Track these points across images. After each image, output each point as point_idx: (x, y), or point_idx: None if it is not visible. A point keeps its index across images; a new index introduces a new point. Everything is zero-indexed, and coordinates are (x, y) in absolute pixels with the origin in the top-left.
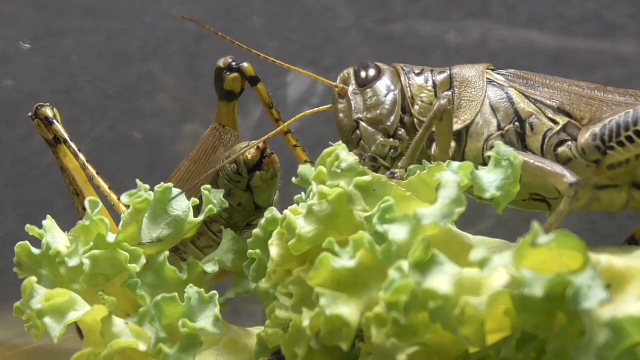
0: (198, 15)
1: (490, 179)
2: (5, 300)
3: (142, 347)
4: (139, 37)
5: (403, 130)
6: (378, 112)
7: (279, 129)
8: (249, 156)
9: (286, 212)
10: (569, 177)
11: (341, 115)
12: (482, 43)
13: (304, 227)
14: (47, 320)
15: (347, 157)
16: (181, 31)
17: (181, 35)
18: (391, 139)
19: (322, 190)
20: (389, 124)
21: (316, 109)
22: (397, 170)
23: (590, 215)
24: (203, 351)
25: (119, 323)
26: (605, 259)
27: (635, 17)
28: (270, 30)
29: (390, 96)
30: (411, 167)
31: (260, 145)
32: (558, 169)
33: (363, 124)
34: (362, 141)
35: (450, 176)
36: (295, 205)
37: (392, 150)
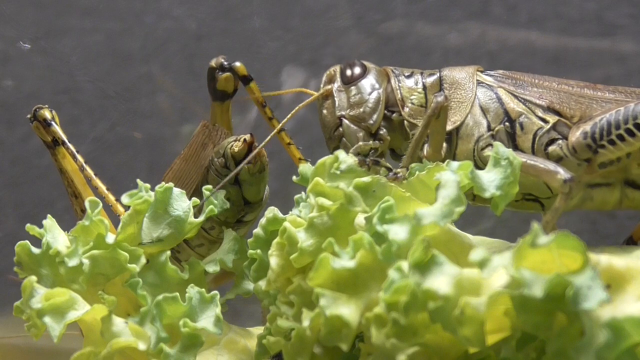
0: (198, 15)
1: (490, 178)
2: (5, 300)
3: (142, 346)
4: (139, 37)
5: (385, 130)
6: (361, 109)
7: (276, 130)
8: (236, 149)
9: (286, 224)
10: (563, 173)
11: (325, 111)
12: (482, 43)
13: (306, 240)
14: (47, 319)
15: (346, 158)
16: (181, 31)
17: (181, 35)
18: (372, 140)
19: (322, 203)
20: (372, 122)
21: (308, 100)
22: (399, 170)
23: (590, 215)
24: (203, 351)
25: (118, 322)
26: (605, 259)
27: (635, 17)
28: (270, 30)
29: (374, 94)
30: (412, 165)
31: (247, 138)
32: (551, 166)
33: (345, 121)
34: (344, 138)
35: (450, 175)
36: (293, 216)
37: (372, 151)
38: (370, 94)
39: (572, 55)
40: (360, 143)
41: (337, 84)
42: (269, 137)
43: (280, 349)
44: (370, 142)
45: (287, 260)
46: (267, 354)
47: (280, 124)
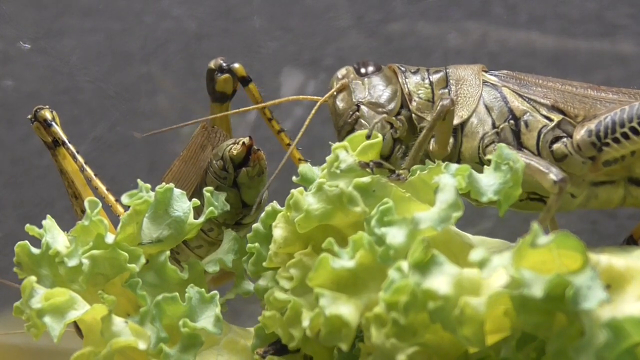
0: (198, 15)
1: (489, 182)
2: (5, 300)
3: (142, 345)
4: (139, 37)
5: (402, 117)
6: (380, 97)
7: (256, 106)
8: (235, 152)
9: (293, 191)
10: (554, 174)
11: (338, 101)
12: (482, 43)
13: (313, 203)
14: (47, 319)
15: (347, 157)
16: (181, 31)
17: (181, 35)
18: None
19: (333, 171)
20: (390, 108)
21: (302, 97)
22: (401, 172)
23: (590, 215)
24: (203, 351)
25: (118, 322)
26: (605, 259)
27: (635, 17)
28: (270, 30)
29: (391, 86)
30: (413, 167)
31: (246, 141)
32: (543, 166)
33: (363, 106)
34: (361, 120)
35: (448, 179)
36: (301, 188)
37: (392, 130)
38: (387, 86)
39: (572, 56)
40: (383, 117)
41: (352, 77)
42: (251, 107)
43: (276, 325)
44: (394, 118)
45: (291, 232)
46: (264, 344)
47: (266, 104)
